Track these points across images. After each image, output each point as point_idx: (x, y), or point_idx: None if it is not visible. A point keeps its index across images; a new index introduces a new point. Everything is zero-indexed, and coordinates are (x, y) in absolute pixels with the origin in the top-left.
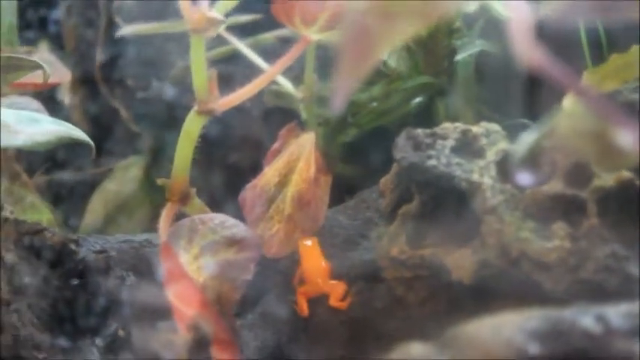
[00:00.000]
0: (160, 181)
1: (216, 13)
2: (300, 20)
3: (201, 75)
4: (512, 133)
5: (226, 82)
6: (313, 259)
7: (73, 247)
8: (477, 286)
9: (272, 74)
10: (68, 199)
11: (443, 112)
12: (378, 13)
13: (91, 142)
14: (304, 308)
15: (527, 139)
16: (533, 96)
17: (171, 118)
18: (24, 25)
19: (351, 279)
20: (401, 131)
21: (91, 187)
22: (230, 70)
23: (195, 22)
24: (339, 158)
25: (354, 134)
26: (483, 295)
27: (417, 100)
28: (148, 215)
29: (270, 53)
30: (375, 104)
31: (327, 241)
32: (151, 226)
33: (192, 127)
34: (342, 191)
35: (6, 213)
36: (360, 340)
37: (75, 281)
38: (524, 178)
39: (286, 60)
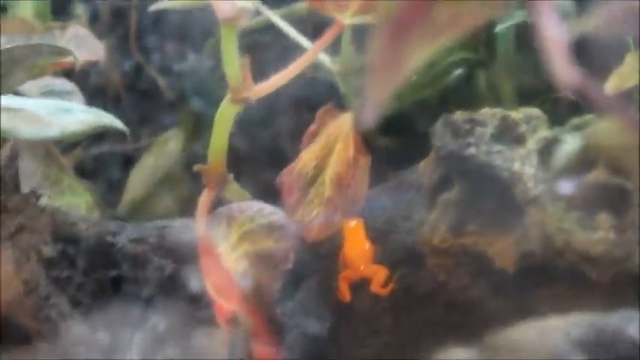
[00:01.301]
0: (196, 168)
1: (247, 3)
2: (332, 6)
3: (234, 63)
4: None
5: (261, 53)
6: (355, 242)
7: (109, 238)
8: (520, 273)
9: (306, 60)
10: (108, 174)
11: (484, 84)
12: (416, 17)
13: (124, 127)
14: (346, 294)
15: (568, 149)
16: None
17: (208, 90)
18: None
19: (393, 263)
20: (441, 104)
21: (131, 160)
22: (265, 40)
23: (225, 11)
24: (379, 132)
25: (394, 107)
26: (527, 283)
27: (457, 72)
28: (189, 190)
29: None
30: (414, 77)
31: (368, 223)
32: (192, 202)
33: (226, 115)
34: (383, 165)
35: (42, 200)
36: (403, 328)
37: (113, 273)
38: (566, 187)
39: (321, 44)
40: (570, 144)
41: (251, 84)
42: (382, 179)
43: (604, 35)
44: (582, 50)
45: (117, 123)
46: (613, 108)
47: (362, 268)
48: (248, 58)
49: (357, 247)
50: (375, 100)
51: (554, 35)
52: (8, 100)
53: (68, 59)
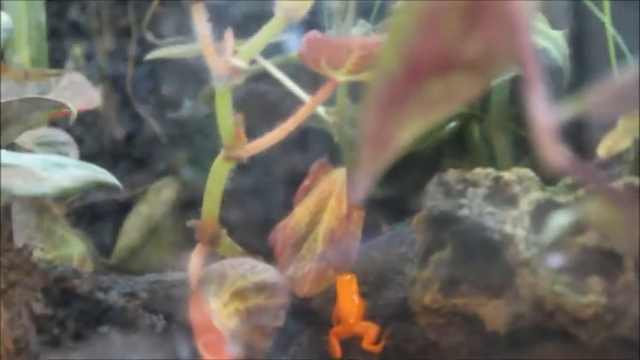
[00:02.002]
0: (189, 224)
1: (241, 62)
2: (326, 64)
3: (228, 121)
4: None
5: (258, 102)
6: (348, 297)
7: (101, 295)
8: (511, 334)
9: (300, 117)
10: (102, 222)
11: (477, 137)
12: (406, 93)
13: (118, 183)
14: (337, 350)
15: (557, 224)
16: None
17: (204, 137)
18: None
19: (385, 319)
20: (435, 157)
21: (126, 208)
22: (262, 88)
23: (219, 69)
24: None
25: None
26: (518, 343)
27: (451, 125)
28: (183, 239)
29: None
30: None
31: (360, 278)
32: (186, 252)
33: (220, 172)
34: (376, 217)
35: (36, 253)
36: None
37: (105, 330)
38: (556, 260)
39: (316, 101)
40: (561, 218)
41: (244, 142)
42: (375, 230)
43: (597, 117)
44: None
45: (110, 179)
46: (603, 189)
47: (352, 323)
48: (241, 116)
49: (349, 303)
50: (366, 174)
51: (544, 118)
52: (4, 156)
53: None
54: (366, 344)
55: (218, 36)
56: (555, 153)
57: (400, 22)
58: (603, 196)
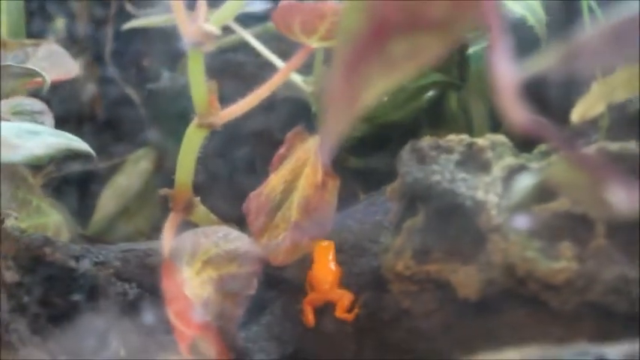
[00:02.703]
0: (161, 192)
1: (212, 27)
2: (300, 30)
3: (201, 88)
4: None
5: (236, 72)
6: (324, 264)
7: (72, 263)
8: (483, 300)
9: (274, 84)
10: (79, 193)
11: (455, 105)
12: (371, 51)
13: (91, 152)
14: (310, 318)
15: (522, 185)
16: (545, 88)
17: (181, 109)
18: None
19: (359, 287)
20: (413, 126)
21: (104, 179)
22: (239, 58)
23: (191, 35)
24: (350, 153)
25: (365, 129)
26: (490, 310)
27: (429, 94)
28: (160, 210)
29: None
30: (385, 99)
31: (336, 247)
32: (162, 223)
33: (193, 139)
34: (353, 186)
35: (9, 222)
36: (368, 352)
37: (76, 297)
38: (521, 221)
39: (289, 67)
40: (526, 179)
41: (218, 109)
42: (352, 200)
43: (559, 75)
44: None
45: (84, 147)
46: (564, 147)
47: (327, 290)
48: (215, 83)
49: (325, 269)
50: (332, 133)
51: (506, 77)
52: None
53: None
54: (340, 312)
55: (193, 5)
56: (517, 111)
57: None
58: (566, 157)
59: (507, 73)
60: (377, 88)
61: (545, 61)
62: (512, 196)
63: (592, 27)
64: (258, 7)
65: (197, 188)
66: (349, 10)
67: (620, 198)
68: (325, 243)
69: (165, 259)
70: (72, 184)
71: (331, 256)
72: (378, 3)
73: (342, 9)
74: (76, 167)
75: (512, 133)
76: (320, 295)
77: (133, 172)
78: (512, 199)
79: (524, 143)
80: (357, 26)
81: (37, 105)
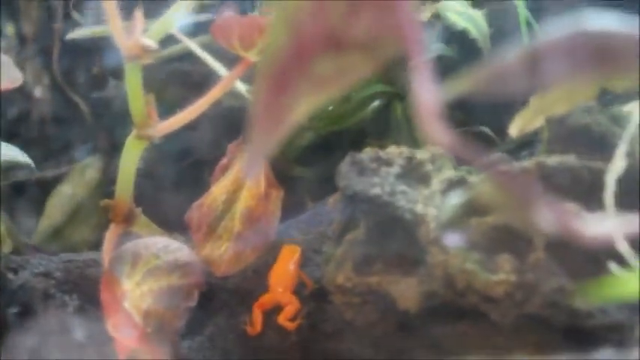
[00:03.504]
0: (102, 203)
1: (149, 41)
2: (238, 43)
3: (138, 100)
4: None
5: (182, 81)
6: (283, 266)
7: (10, 275)
8: (425, 312)
9: (212, 97)
10: (26, 201)
11: (400, 115)
12: (296, 71)
13: (30, 162)
14: (258, 322)
15: (452, 202)
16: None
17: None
18: None
19: (302, 298)
20: (359, 134)
21: (51, 187)
22: (185, 68)
23: (129, 49)
24: (296, 161)
25: (311, 138)
26: (431, 322)
27: (374, 104)
28: (105, 218)
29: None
30: (331, 108)
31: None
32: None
33: (132, 151)
34: (299, 195)
35: None
36: None
37: (14, 310)
38: (451, 239)
39: (229, 80)
40: (456, 197)
41: (156, 121)
42: (300, 209)
43: (479, 96)
44: None
45: (23, 158)
46: (485, 168)
47: (280, 293)
48: (152, 95)
49: (283, 272)
50: (257, 152)
51: (428, 100)
52: None
53: None
54: (282, 319)
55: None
56: (438, 132)
57: (287, 1)
58: (489, 178)
59: (429, 95)
60: (304, 106)
61: (465, 84)
62: (444, 212)
63: (511, 51)
64: (202, 17)
65: (141, 199)
66: (274, 28)
67: (546, 219)
68: (292, 246)
69: (105, 271)
70: (18, 193)
71: (295, 259)
72: (302, 22)
73: (267, 26)
74: (22, 176)
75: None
76: (272, 296)
77: (79, 181)
78: (443, 216)
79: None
80: (281, 44)
81: None
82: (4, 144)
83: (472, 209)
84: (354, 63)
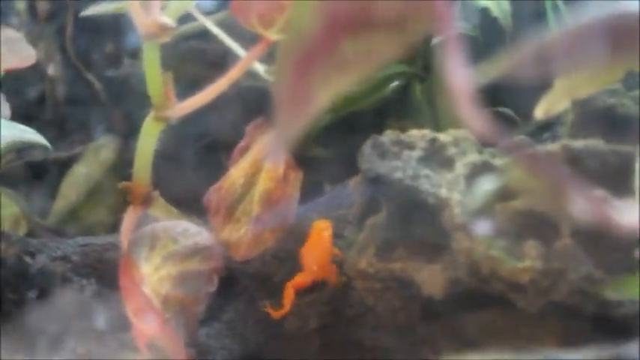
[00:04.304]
0: (120, 185)
1: (168, 19)
2: (258, 21)
3: (156, 81)
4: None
5: (199, 60)
6: (316, 243)
7: (28, 259)
8: (449, 299)
9: (232, 77)
10: (40, 182)
11: (420, 96)
12: (322, 53)
13: (46, 144)
14: (288, 303)
15: (484, 188)
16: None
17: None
18: None
19: (323, 283)
20: (377, 115)
21: (66, 167)
22: (201, 46)
23: (146, 27)
24: (313, 142)
25: (329, 118)
26: (455, 309)
27: (393, 84)
28: (122, 200)
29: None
30: (350, 89)
31: (298, 239)
32: (124, 213)
33: (150, 132)
34: (319, 176)
35: None
36: (331, 349)
37: (32, 294)
38: (482, 226)
39: (248, 60)
40: (487, 183)
41: (174, 101)
42: (317, 190)
43: (514, 79)
44: None
45: (38, 139)
46: (520, 156)
47: (315, 270)
48: (170, 74)
49: (316, 250)
50: (282, 136)
51: (461, 81)
52: None
53: None
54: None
55: None
56: (474, 118)
57: None
58: (522, 165)
59: (463, 79)
60: (330, 89)
61: (501, 67)
62: (475, 199)
63: (551, 30)
64: None
65: (156, 180)
66: (299, 9)
67: (579, 207)
68: (322, 222)
69: (123, 255)
70: (31, 172)
71: (327, 236)
72: (328, 2)
73: (291, 6)
74: (36, 156)
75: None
76: (307, 275)
77: (94, 161)
78: (474, 203)
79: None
80: (307, 26)
81: None
82: (18, 124)
83: (503, 195)
84: (381, 44)
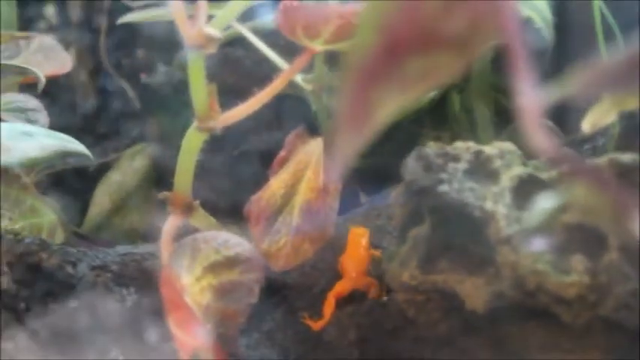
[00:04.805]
0: (161, 195)
1: (214, 30)
2: (303, 34)
3: (201, 91)
4: None
5: (234, 68)
6: (354, 250)
7: (69, 269)
8: (491, 311)
9: (276, 87)
10: (74, 189)
11: (458, 106)
12: (386, 70)
13: (88, 153)
14: (329, 312)
15: (543, 207)
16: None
17: (179, 104)
18: None
19: (362, 294)
20: (415, 126)
21: (99, 175)
22: (238, 54)
23: (192, 38)
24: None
25: None
26: (498, 322)
27: (431, 94)
28: (156, 207)
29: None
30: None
31: (337, 251)
32: (158, 220)
33: (193, 143)
34: (355, 186)
35: (3, 222)
36: None
37: (74, 304)
38: (539, 244)
39: (292, 71)
40: (547, 201)
41: (218, 112)
42: (354, 201)
43: (584, 98)
44: None
45: (80, 148)
46: (588, 176)
47: (354, 277)
48: (215, 85)
49: (355, 257)
50: (344, 154)
51: (531, 103)
52: None
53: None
54: (372, 295)
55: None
56: (542, 138)
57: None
58: (588, 182)
59: (532, 99)
60: (389, 108)
61: (572, 86)
62: (533, 217)
63: (617, 51)
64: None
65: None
66: (363, 28)
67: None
68: (360, 229)
69: (164, 265)
70: (65, 180)
71: (364, 242)
72: (392, 21)
73: (355, 26)
74: (69, 164)
75: (516, 138)
76: (347, 282)
77: (128, 169)
78: (532, 220)
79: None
80: (370, 44)
81: (31, 102)
82: (59, 133)
83: (562, 212)
84: (444, 62)
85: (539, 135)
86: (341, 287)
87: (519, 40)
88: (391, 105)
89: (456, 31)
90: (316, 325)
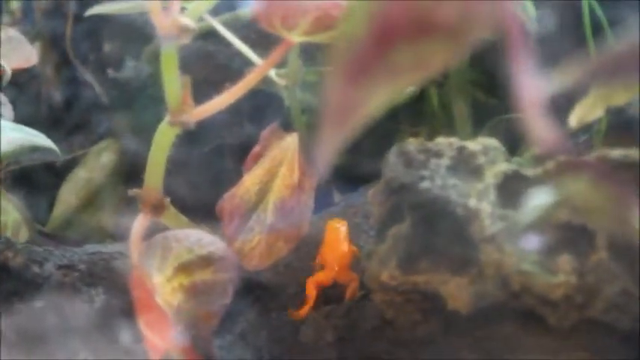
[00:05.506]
0: (130, 193)
1: (188, 20)
2: (281, 25)
3: (174, 83)
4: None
5: (206, 62)
6: (334, 243)
7: (36, 268)
8: (474, 312)
9: (251, 81)
10: (39, 187)
11: (436, 102)
12: (373, 60)
13: (55, 148)
14: (311, 299)
15: (536, 204)
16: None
17: (147, 99)
18: None
19: (339, 294)
20: (391, 122)
21: (65, 172)
22: (209, 48)
23: (166, 28)
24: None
25: None
26: (481, 324)
27: (408, 90)
28: (123, 204)
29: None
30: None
31: (312, 250)
32: (126, 218)
33: (164, 138)
34: (328, 183)
35: None
36: None
37: (40, 304)
38: (531, 242)
39: (267, 65)
40: (541, 198)
41: (191, 106)
42: (328, 198)
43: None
44: None
45: (46, 142)
46: (587, 166)
47: (337, 271)
48: (188, 78)
49: (337, 248)
50: (329, 147)
51: (531, 94)
52: None
53: None
54: (349, 295)
55: None
56: (543, 129)
57: None
58: (589, 176)
59: (532, 89)
60: (378, 99)
61: (573, 75)
62: (526, 214)
63: (621, 41)
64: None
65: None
66: (350, 15)
67: None
68: (338, 222)
69: (134, 265)
70: (31, 178)
71: (344, 235)
72: (381, 7)
73: (333, 9)
74: (35, 160)
75: (496, 133)
76: (329, 274)
77: (95, 165)
78: (525, 218)
79: (513, 144)
80: (358, 32)
81: None
82: (25, 127)
83: (549, 210)
84: (436, 51)
85: (541, 126)
86: (323, 276)
87: (518, 29)
88: (380, 96)
89: (450, 17)
90: (300, 313)
